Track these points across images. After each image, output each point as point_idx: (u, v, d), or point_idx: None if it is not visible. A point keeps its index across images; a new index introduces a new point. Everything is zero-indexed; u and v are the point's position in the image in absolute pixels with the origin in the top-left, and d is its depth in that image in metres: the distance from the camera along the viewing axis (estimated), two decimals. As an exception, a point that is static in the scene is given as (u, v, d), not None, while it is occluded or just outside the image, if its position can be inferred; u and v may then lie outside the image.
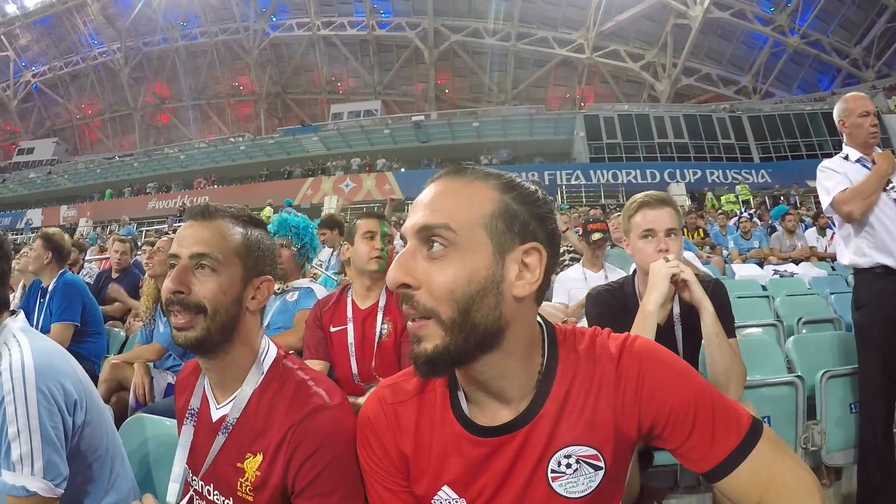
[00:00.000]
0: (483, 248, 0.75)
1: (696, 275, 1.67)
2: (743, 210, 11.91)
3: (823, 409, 2.38)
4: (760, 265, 6.11)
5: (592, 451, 0.82)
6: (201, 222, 1.09)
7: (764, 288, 4.59)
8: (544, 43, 28.88)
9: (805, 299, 4.08)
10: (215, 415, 1.09)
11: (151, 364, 2.71)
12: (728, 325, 1.71)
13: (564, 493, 0.82)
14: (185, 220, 1.12)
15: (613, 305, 1.85)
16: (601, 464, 0.82)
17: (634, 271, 1.93)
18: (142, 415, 1.72)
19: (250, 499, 1.01)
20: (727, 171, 20.56)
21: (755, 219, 9.78)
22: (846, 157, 2.46)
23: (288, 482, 0.99)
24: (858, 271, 2.42)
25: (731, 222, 8.81)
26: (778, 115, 22.14)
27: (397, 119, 27.43)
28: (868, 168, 2.37)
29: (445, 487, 0.86)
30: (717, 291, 1.74)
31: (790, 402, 2.26)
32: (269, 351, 1.13)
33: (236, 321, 1.06)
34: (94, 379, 2.12)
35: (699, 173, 20.58)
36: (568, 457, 0.82)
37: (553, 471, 0.82)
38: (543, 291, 0.82)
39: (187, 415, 1.13)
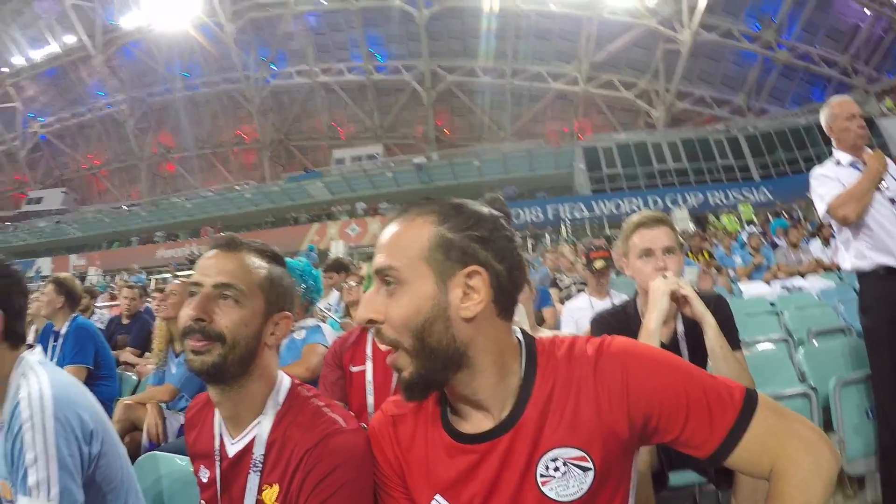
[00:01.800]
0: (426, 279, 0.83)
1: (697, 292, 1.67)
2: (751, 228, 11.87)
3: (840, 417, 2.34)
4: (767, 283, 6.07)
5: (579, 453, 0.83)
6: (226, 253, 1.08)
7: (772, 304, 4.56)
8: (539, 78, 29.24)
9: (814, 311, 4.05)
10: (231, 450, 1.08)
11: (164, 405, 2.73)
12: (732, 338, 1.71)
13: (555, 497, 0.83)
14: (210, 249, 1.11)
15: (616, 328, 1.84)
16: (589, 465, 0.83)
17: (637, 293, 1.94)
18: (156, 452, 1.73)
19: None
20: (728, 191, 20.48)
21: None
22: (838, 163, 2.46)
23: None
24: (861, 275, 2.40)
25: (737, 241, 8.79)
26: (774, 132, 22.13)
27: (399, 161, 27.56)
28: (860, 170, 2.37)
29: (438, 496, 0.89)
30: (719, 307, 1.74)
31: (804, 414, 2.19)
32: (284, 382, 1.12)
33: (254, 355, 1.06)
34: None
35: (701, 197, 20.52)
36: (555, 460, 0.83)
37: (542, 475, 0.84)
38: (508, 307, 0.87)
39: (215, 455, 1.10)
